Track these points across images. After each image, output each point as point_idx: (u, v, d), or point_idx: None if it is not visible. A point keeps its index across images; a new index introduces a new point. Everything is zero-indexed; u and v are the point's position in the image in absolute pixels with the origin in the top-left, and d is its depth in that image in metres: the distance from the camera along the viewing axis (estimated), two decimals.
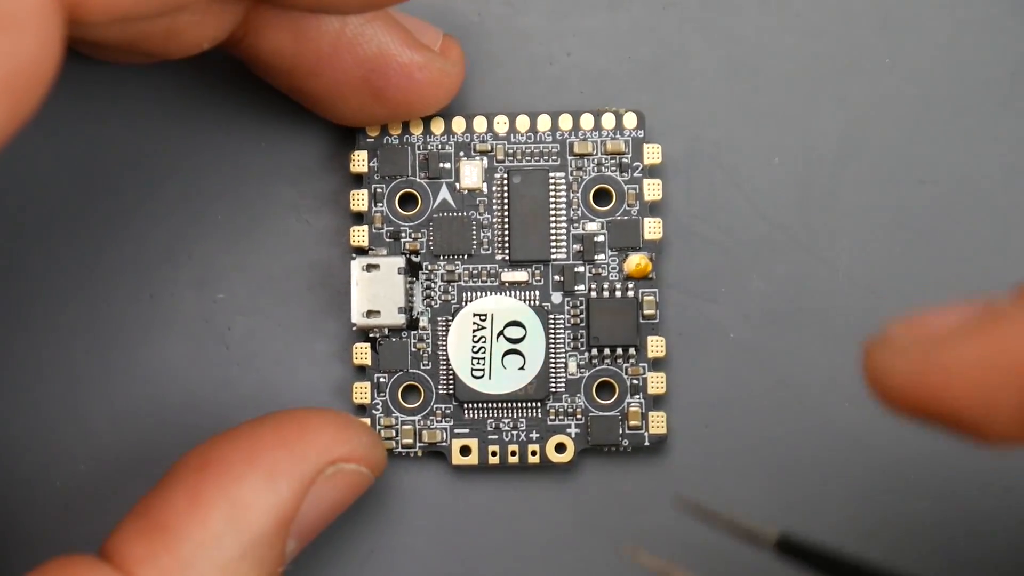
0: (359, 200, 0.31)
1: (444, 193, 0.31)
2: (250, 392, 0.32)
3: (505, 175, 0.31)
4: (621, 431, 0.31)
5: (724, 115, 0.32)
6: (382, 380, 0.31)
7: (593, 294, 0.31)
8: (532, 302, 0.31)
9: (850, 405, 0.31)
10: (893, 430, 0.31)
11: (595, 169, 0.31)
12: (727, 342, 0.32)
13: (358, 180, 0.32)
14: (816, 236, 0.32)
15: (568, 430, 0.31)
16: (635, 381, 0.31)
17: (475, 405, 0.31)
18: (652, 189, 0.31)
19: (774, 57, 0.32)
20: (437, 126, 0.31)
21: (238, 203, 0.32)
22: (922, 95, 0.32)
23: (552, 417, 0.31)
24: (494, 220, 0.31)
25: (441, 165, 0.31)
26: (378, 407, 0.31)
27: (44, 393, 0.32)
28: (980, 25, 0.32)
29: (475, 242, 0.31)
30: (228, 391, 0.32)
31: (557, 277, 0.31)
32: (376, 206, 0.31)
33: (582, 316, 0.31)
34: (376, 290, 0.31)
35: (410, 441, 0.31)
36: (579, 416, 0.31)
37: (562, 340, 0.31)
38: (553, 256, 0.31)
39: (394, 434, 0.31)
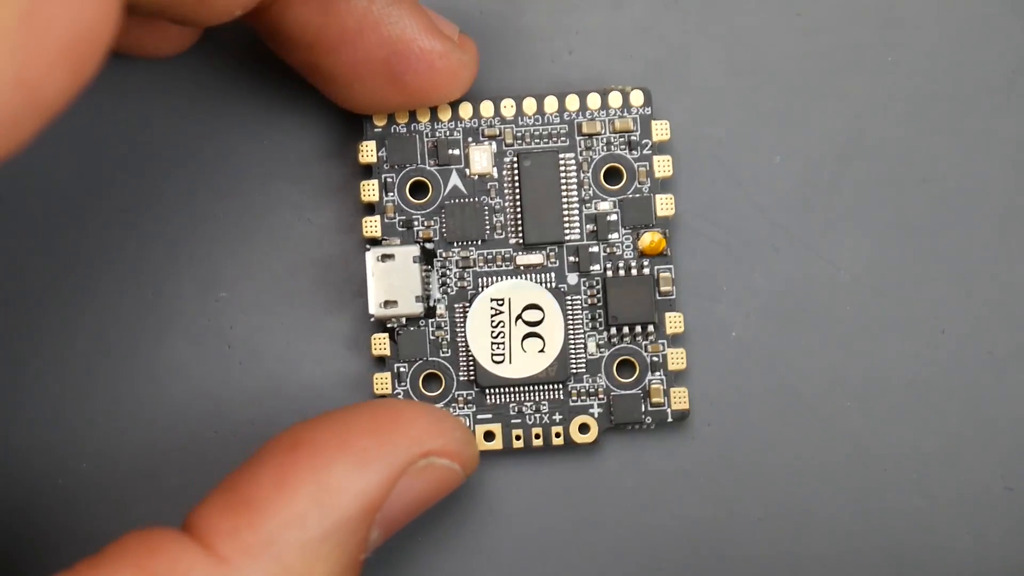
0: (370, 190, 0.31)
1: (455, 179, 0.31)
2: (252, 391, 0.32)
3: (515, 159, 0.31)
4: (644, 408, 0.31)
5: (726, 114, 0.32)
6: (402, 370, 0.31)
7: (609, 273, 0.31)
8: (548, 284, 0.31)
9: (852, 404, 0.32)
10: (893, 429, 0.32)
11: (604, 148, 0.31)
12: (729, 340, 0.32)
13: (367, 170, 0.32)
14: (818, 234, 0.32)
15: (591, 410, 0.31)
16: (655, 358, 0.31)
17: (497, 390, 0.31)
18: (662, 165, 0.31)
19: (776, 56, 0.32)
20: (444, 113, 0.31)
21: (240, 201, 0.32)
22: (924, 93, 0.32)
23: (574, 398, 0.31)
24: (506, 204, 0.31)
25: (450, 152, 0.31)
26: (399, 397, 0.31)
27: (46, 391, 0.31)
28: (982, 24, 0.32)
29: (488, 227, 0.31)
30: (230, 390, 0.32)
31: (572, 258, 0.31)
32: (387, 196, 0.31)
33: (599, 296, 0.31)
34: (392, 280, 0.30)
35: None
36: (601, 396, 0.31)
37: (580, 320, 0.31)
38: (567, 237, 0.31)
39: None
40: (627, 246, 0.31)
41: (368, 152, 0.31)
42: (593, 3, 0.32)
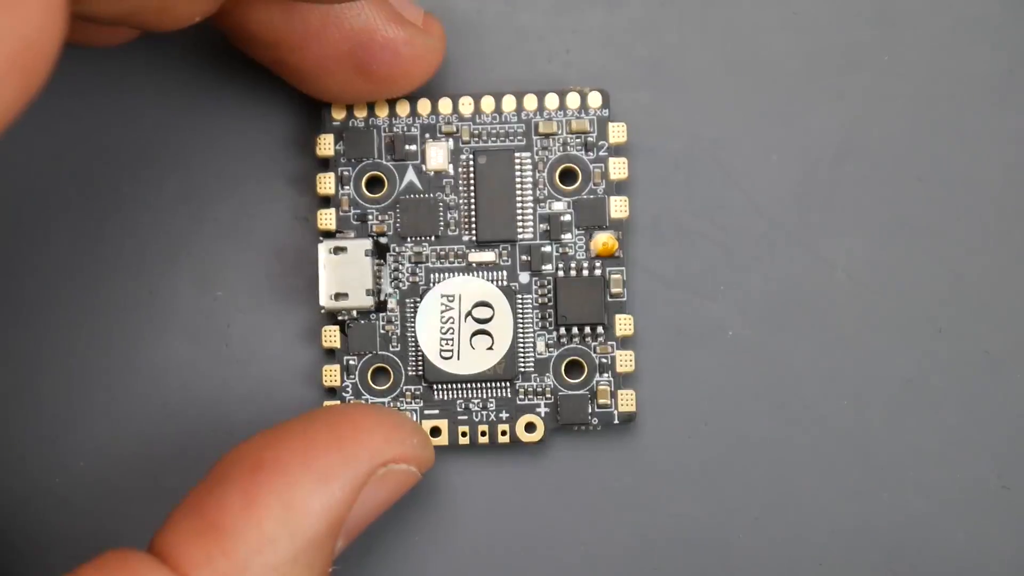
0: (326, 183, 0.31)
1: (411, 175, 0.31)
2: (249, 389, 0.32)
3: (471, 156, 0.31)
4: (590, 409, 0.31)
5: (722, 112, 0.32)
6: (351, 363, 0.31)
7: (560, 273, 0.31)
8: (500, 282, 0.31)
9: (847, 403, 0.31)
10: (889, 428, 0.31)
11: (560, 149, 0.32)
12: (725, 340, 0.32)
13: (324, 163, 0.32)
14: (814, 234, 0.32)
15: (537, 409, 0.31)
16: (603, 359, 0.31)
17: (444, 386, 0.31)
18: (617, 168, 0.31)
19: (772, 55, 0.32)
20: (403, 108, 0.31)
21: (238, 201, 0.32)
22: (920, 92, 0.32)
23: (521, 397, 0.31)
24: (460, 201, 0.31)
25: (407, 147, 0.31)
26: (348, 389, 0.31)
27: (44, 390, 0.32)
28: (978, 22, 0.32)
29: (442, 223, 0.31)
30: (227, 388, 0.32)
31: (524, 257, 0.31)
32: (343, 189, 0.31)
33: (550, 295, 0.31)
34: (344, 273, 0.31)
35: None
36: (548, 395, 0.31)
37: (530, 320, 0.31)
38: (520, 236, 0.31)
39: None
40: (580, 247, 0.31)
41: (326, 145, 0.31)
42: (590, 2, 0.32)
